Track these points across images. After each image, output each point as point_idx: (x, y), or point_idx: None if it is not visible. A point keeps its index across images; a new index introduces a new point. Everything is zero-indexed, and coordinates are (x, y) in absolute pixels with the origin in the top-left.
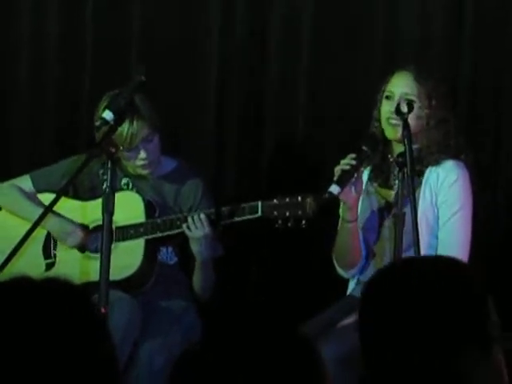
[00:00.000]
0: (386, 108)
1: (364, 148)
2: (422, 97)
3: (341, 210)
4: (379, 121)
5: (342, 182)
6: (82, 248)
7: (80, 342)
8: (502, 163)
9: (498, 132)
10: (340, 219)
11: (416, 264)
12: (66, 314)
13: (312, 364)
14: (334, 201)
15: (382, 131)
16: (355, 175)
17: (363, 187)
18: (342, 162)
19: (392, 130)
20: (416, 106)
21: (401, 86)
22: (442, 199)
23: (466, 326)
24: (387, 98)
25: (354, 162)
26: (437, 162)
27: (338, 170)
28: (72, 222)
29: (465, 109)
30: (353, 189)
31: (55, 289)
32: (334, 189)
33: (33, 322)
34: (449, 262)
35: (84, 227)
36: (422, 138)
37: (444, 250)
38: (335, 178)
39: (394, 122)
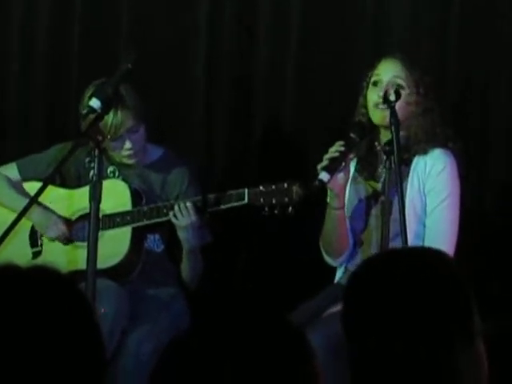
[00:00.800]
0: (374, 94)
1: (352, 135)
2: (410, 83)
3: (328, 198)
4: (365, 107)
5: (332, 169)
6: (64, 240)
7: (67, 330)
8: (490, 162)
9: (485, 130)
10: (327, 207)
11: (401, 255)
12: (53, 302)
13: (301, 351)
14: (323, 188)
15: (369, 118)
16: (344, 162)
17: (350, 175)
18: (331, 149)
19: (380, 115)
20: (405, 92)
21: (389, 71)
22: (430, 187)
23: (449, 317)
24: (374, 83)
25: (342, 149)
26: (424, 151)
27: (326, 157)
28: (55, 213)
29: (453, 106)
30: (339, 176)
31: (41, 276)
32: (324, 176)
33: (18, 310)
34: (434, 254)
35: (67, 220)
36: (409, 126)
37: (431, 238)
38: (322, 165)
39: (382, 106)
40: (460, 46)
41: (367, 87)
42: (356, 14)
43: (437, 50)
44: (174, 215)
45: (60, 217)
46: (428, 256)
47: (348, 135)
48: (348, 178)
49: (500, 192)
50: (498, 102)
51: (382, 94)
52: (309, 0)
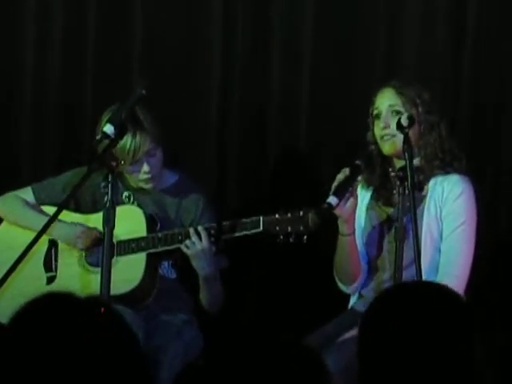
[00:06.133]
0: (377, 127)
1: (358, 162)
2: (407, 106)
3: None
4: (375, 143)
5: (339, 193)
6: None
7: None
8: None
9: (499, 151)
10: (339, 234)
11: (414, 290)
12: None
13: (319, 374)
14: (331, 213)
15: (380, 151)
16: (351, 188)
17: (366, 203)
18: (338, 175)
19: (386, 146)
20: (404, 116)
21: (385, 100)
22: (447, 212)
23: (451, 351)
24: (377, 117)
25: (348, 174)
26: (439, 172)
27: (334, 183)
28: (79, 224)
29: (467, 128)
30: (347, 202)
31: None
32: (332, 199)
33: (75, 340)
34: (443, 290)
35: (91, 229)
36: (419, 147)
37: (446, 263)
38: (332, 190)
39: (385, 132)
40: (473, 72)
41: (372, 122)
42: (368, 40)
43: (450, 69)
44: (185, 244)
45: (84, 225)
46: (439, 293)
47: (354, 162)
48: (356, 204)
49: None
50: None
51: (382, 125)
52: (321, 24)
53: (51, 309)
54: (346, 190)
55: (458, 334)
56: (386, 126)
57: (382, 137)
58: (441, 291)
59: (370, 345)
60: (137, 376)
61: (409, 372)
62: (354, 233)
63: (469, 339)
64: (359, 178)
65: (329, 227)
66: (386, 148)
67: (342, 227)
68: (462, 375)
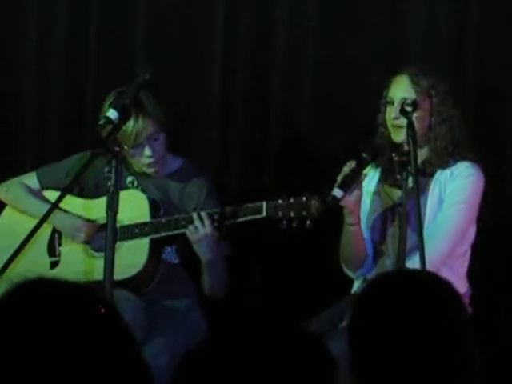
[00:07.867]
0: (389, 113)
1: (364, 155)
2: (421, 95)
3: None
4: (383, 126)
5: (345, 186)
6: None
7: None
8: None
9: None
10: (344, 222)
11: (405, 278)
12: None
13: (321, 360)
14: (336, 204)
15: (389, 135)
16: (356, 181)
17: (373, 187)
18: (343, 168)
19: (396, 133)
20: (408, 102)
21: (399, 91)
22: (451, 188)
23: (442, 340)
24: (390, 103)
25: (354, 167)
26: (448, 164)
27: (340, 176)
28: (79, 217)
29: (470, 115)
30: (353, 193)
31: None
32: (338, 192)
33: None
34: (436, 279)
35: (91, 222)
36: (430, 138)
37: (434, 237)
38: (338, 183)
39: (397, 122)
40: (477, 59)
41: (385, 106)
42: (371, 26)
43: (452, 70)
44: (189, 230)
45: (84, 219)
46: (431, 281)
47: (360, 154)
48: (361, 195)
49: None
50: None
51: (393, 115)
52: (324, 16)
53: (33, 295)
54: (351, 183)
55: (447, 323)
56: (397, 118)
57: (393, 125)
58: (430, 280)
59: (360, 335)
60: (131, 367)
61: (400, 362)
62: (359, 222)
63: (459, 328)
64: (365, 170)
65: (334, 213)
66: (397, 136)
67: (347, 217)
68: (452, 365)
